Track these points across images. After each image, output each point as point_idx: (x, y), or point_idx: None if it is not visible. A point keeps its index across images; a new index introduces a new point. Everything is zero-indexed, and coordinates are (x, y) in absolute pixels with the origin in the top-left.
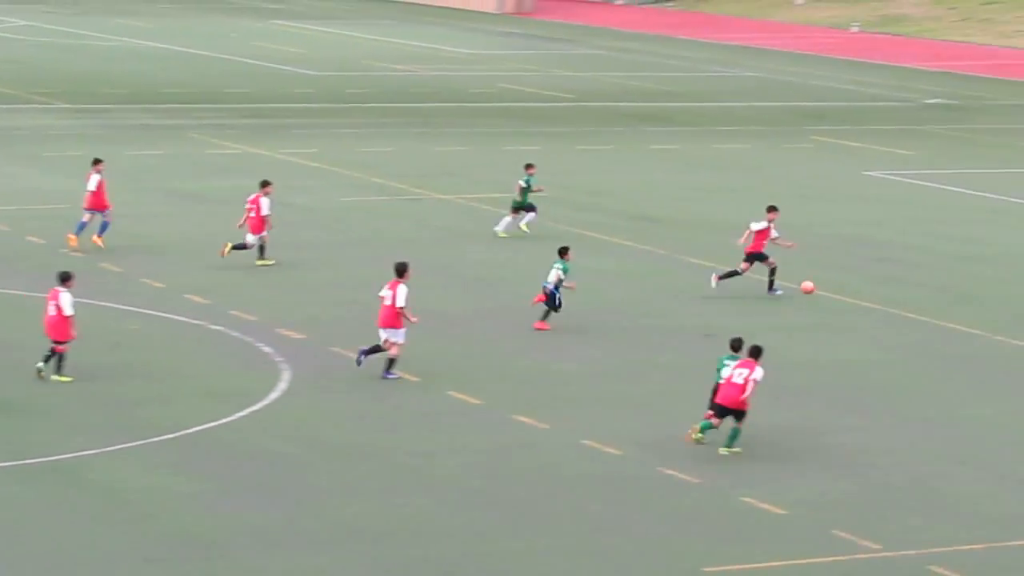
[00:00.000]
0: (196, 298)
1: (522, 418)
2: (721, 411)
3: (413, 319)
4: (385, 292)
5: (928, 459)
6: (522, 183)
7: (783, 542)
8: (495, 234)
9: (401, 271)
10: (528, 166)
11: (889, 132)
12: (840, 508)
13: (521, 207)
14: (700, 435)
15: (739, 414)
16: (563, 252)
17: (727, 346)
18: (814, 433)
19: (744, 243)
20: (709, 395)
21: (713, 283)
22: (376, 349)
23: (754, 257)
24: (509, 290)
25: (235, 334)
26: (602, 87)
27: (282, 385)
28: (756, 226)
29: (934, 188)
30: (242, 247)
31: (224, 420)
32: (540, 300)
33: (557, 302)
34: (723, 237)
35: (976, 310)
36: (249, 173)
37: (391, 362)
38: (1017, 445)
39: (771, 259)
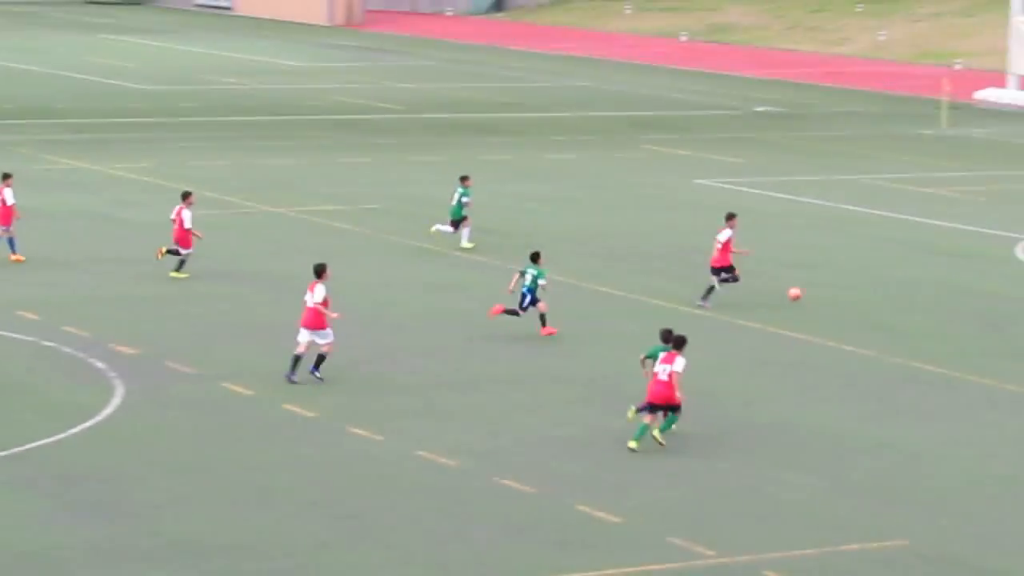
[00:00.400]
0: (28, 314)
1: (357, 430)
2: (654, 408)
3: (334, 315)
4: (307, 296)
5: (763, 465)
6: (458, 195)
7: (618, 550)
8: (462, 248)
9: (320, 272)
10: (463, 178)
11: (719, 140)
12: (676, 515)
13: (457, 221)
14: (656, 435)
15: (674, 408)
16: (535, 258)
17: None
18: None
19: (716, 254)
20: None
21: (705, 305)
22: (297, 361)
23: (722, 270)
24: (342, 301)
25: (68, 350)
26: (434, 98)
27: (116, 401)
28: (722, 237)
29: (764, 196)
30: (175, 252)
31: (58, 437)
32: (520, 309)
33: (527, 302)
34: (557, 247)
35: (807, 317)
36: (81, 188)
37: (321, 359)
38: (849, 449)
39: (737, 271)
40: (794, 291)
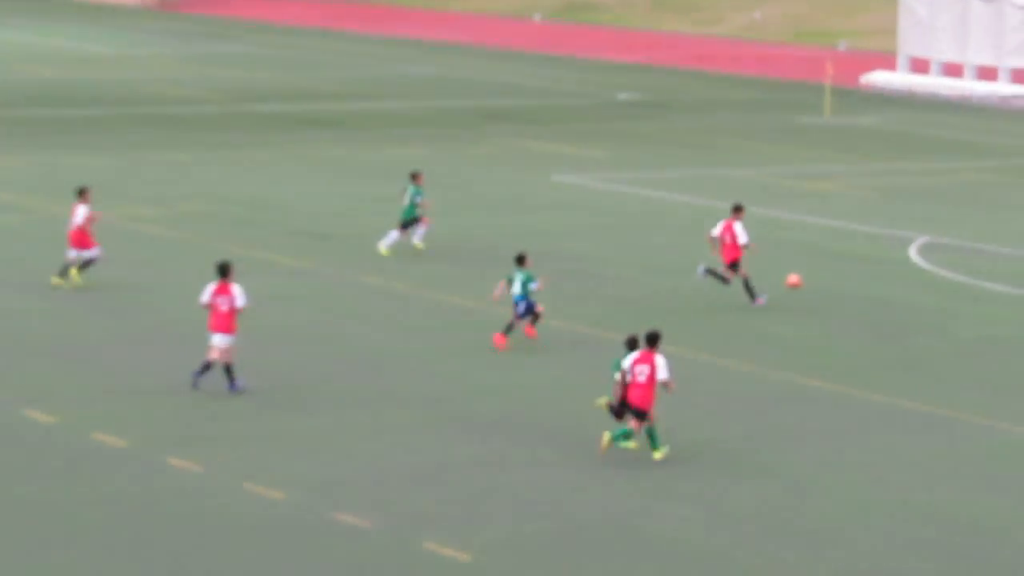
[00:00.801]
0: None
1: (175, 461)
2: (637, 413)
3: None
4: (217, 299)
5: (629, 493)
6: (409, 195)
7: None
8: (379, 251)
9: (224, 271)
10: (414, 176)
11: (579, 132)
12: (531, 551)
13: (409, 221)
14: (624, 443)
15: (643, 415)
16: (521, 260)
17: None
18: (503, 468)
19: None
20: (616, 396)
21: (760, 302)
22: (207, 367)
23: (732, 265)
24: (160, 316)
25: None
26: (259, 88)
27: None
28: (740, 232)
29: (629, 194)
30: (88, 263)
31: None
32: (517, 319)
33: (527, 308)
34: (399, 253)
35: (678, 327)
36: None
37: (229, 370)
38: (727, 475)
39: (743, 269)
40: (793, 278)
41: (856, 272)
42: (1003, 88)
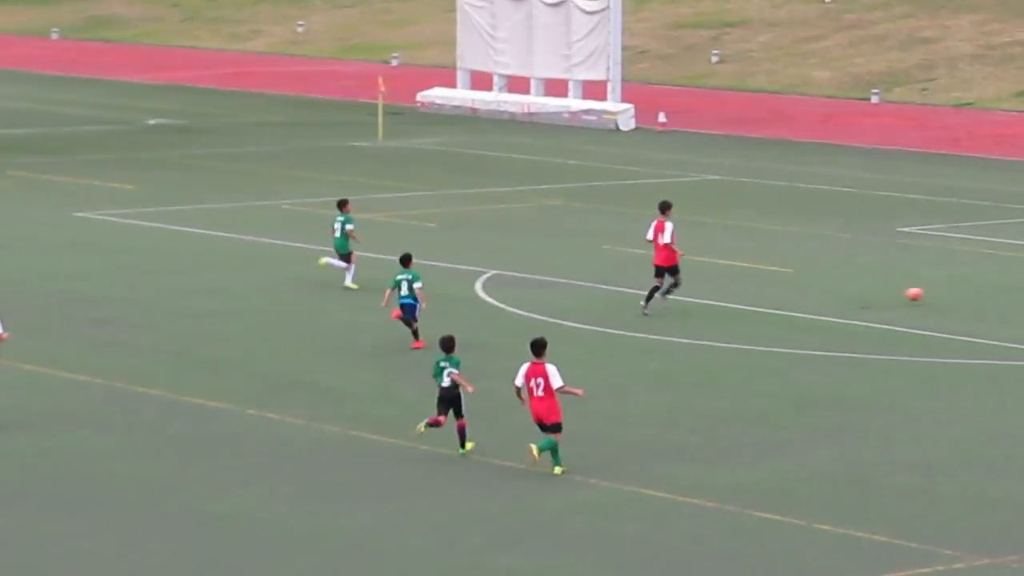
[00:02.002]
0: None
1: None
2: (550, 427)
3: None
4: None
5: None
6: (339, 225)
7: None
8: (346, 289)
9: None
10: (342, 203)
11: (105, 162)
12: None
13: (347, 253)
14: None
15: (556, 427)
16: (406, 261)
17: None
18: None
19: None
20: (437, 404)
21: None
22: None
23: (670, 270)
24: None
25: None
26: None
27: None
28: (667, 234)
29: (163, 230)
30: None
31: None
32: (397, 316)
33: (414, 315)
34: None
35: (217, 378)
36: None
37: None
38: (272, 544)
39: (680, 274)
40: (913, 291)
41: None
42: (573, 103)
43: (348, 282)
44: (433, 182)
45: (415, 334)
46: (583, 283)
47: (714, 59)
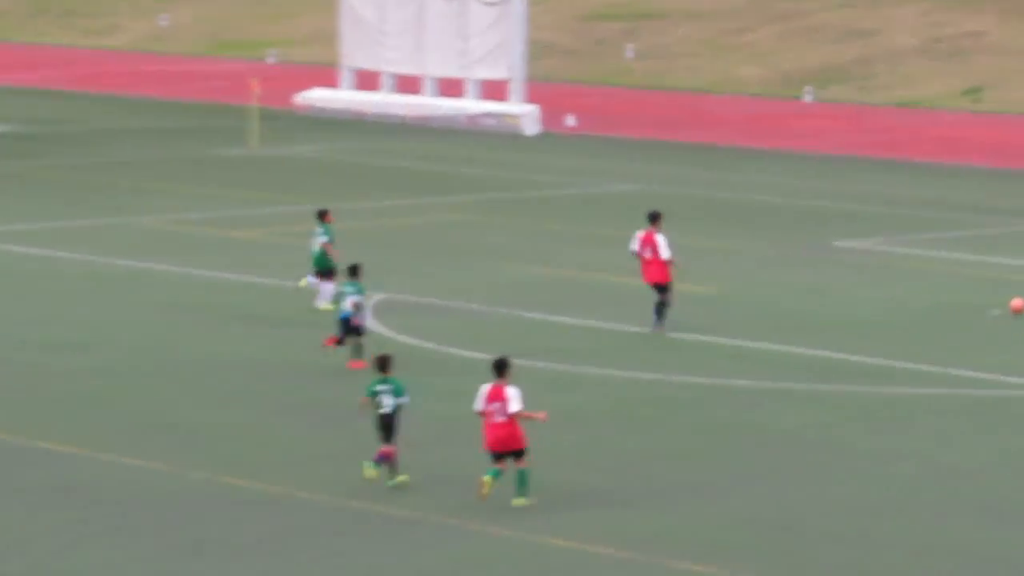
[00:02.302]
0: None
1: None
2: (499, 456)
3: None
4: None
5: None
6: (319, 238)
7: None
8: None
9: None
10: (323, 213)
11: None
12: None
13: (327, 270)
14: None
15: (519, 453)
16: (354, 271)
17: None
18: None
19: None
20: (375, 427)
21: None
22: None
23: (662, 287)
24: None
25: None
26: None
27: None
28: (663, 247)
29: (3, 252)
30: None
31: None
32: (332, 342)
33: (359, 328)
34: None
35: (66, 418)
36: None
37: None
38: None
39: (671, 293)
40: (1018, 302)
41: (289, 340)
42: (472, 105)
43: (320, 303)
44: (313, 195)
45: (357, 352)
46: (483, 307)
47: (629, 55)
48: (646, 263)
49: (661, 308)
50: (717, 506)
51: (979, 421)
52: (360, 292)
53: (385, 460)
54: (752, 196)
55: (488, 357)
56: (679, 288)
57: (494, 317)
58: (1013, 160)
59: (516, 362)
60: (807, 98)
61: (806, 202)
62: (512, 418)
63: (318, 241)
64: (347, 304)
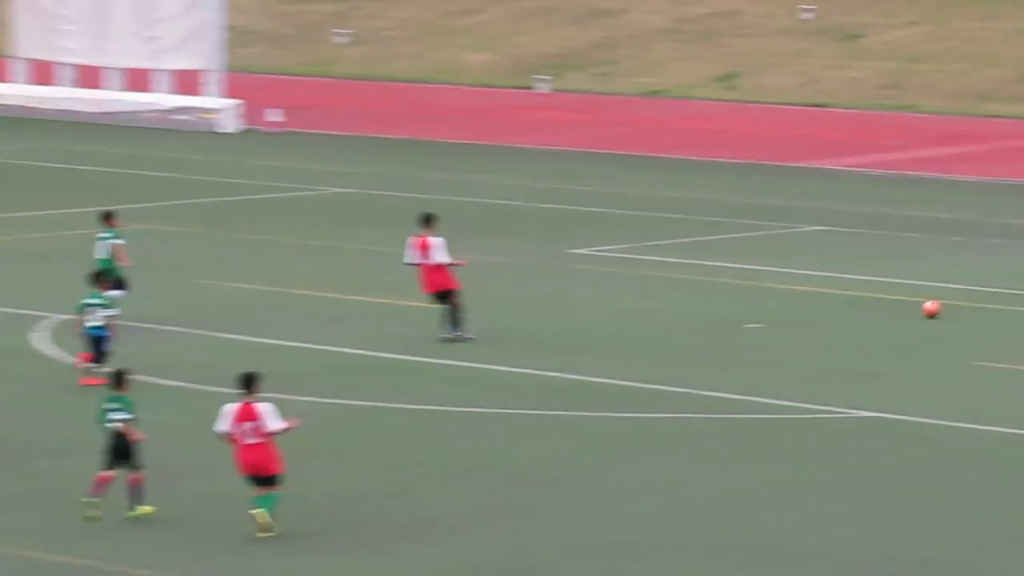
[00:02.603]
0: None
1: None
2: (258, 481)
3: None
4: None
5: None
6: (107, 244)
7: None
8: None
9: None
10: (107, 216)
11: None
12: None
13: (114, 279)
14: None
15: (274, 479)
16: (99, 279)
17: None
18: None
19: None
20: (106, 448)
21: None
22: None
23: (446, 295)
24: None
25: None
26: None
27: None
28: (438, 251)
29: None
30: None
31: None
32: (85, 359)
33: (103, 347)
34: None
35: None
36: None
37: None
38: None
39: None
40: (931, 305)
41: None
42: (162, 99)
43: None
44: None
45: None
46: (176, 328)
47: (339, 40)
48: (426, 271)
49: (455, 313)
50: (442, 550)
51: (732, 449)
52: (108, 305)
53: (103, 487)
54: (480, 199)
55: (179, 384)
56: (392, 303)
57: (186, 339)
58: (771, 154)
59: (215, 390)
60: (541, 88)
61: (541, 205)
62: (268, 438)
63: (105, 245)
64: (96, 318)
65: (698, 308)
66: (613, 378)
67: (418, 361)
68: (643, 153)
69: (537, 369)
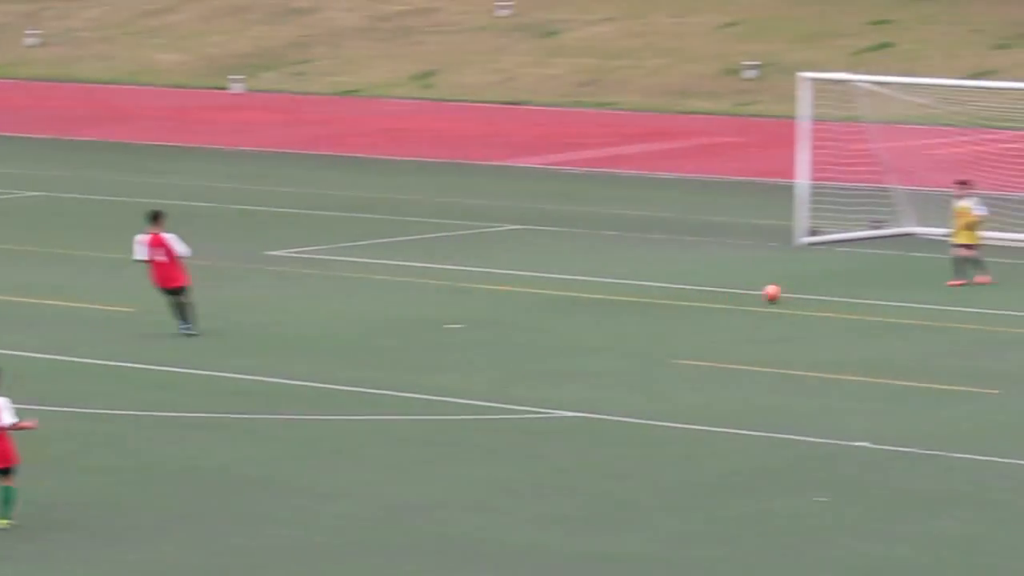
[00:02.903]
0: None
1: None
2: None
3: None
4: None
5: None
6: None
7: None
8: None
9: None
10: None
11: None
12: None
13: None
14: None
15: (7, 471)
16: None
17: None
18: None
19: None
20: None
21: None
22: None
23: (177, 291)
24: None
25: None
26: None
27: None
28: (177, 245)
29: None
30: None
31: None
32: None
33: None
34: None
35: None
36: None
37: None
38: None
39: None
40: (771, 289)
41: None
42: None
43: None
44: None
45: None
46: None
47: (30, 41)
48: (159, 267)
49: (183, 309)
50: (143, 554)
51: (433, 450)
52: None
53: None
54: (174, 200)
55: None
56: (89, 307)
57: None
58: (469, 152)
59: None
60: (235, 88)
61: (234, 205)
62: (2, 432)
63: None
64: None
65: (398, 309)
66: (314, 380)
67: (116, 366)
68: (340, 153)
69: (239, 372)
